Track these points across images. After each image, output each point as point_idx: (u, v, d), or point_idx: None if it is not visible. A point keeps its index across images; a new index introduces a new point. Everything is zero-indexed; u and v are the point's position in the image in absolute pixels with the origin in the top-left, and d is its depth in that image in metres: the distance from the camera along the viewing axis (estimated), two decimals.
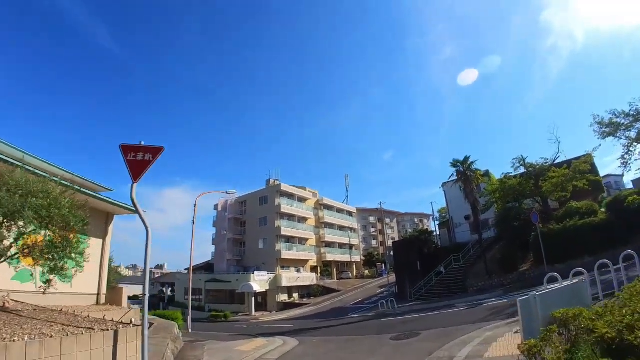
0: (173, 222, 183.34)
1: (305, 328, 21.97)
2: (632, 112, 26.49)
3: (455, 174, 28.39)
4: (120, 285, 16.76)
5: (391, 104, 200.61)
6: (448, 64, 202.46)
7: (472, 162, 27.93)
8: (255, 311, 45.78)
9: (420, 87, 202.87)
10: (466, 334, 10.54)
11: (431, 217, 65.13)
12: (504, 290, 21.04)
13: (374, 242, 79.68)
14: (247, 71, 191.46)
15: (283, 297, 50.64)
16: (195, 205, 27.32)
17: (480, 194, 31.82)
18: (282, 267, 52.82)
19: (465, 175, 27.72)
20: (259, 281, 47.29)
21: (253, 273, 47.83)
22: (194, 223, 27.01)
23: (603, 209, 25.14)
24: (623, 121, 26.85)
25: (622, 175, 39.75)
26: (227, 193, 27.13)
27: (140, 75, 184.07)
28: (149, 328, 7.58)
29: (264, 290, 48.05)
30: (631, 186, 33.48)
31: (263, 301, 49.57)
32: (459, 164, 28.12)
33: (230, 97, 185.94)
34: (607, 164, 67.18)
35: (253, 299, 45.86)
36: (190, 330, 23.54)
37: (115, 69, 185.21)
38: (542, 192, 29.28)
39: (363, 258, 72.06)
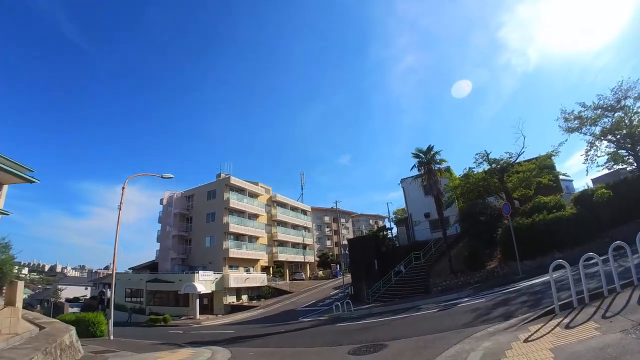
0: (125, 221, 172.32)
1: (246, 335, 18.64)
2: (601, 104, 25.40)
3: (417, 165, 25.86)
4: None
5: (351, 110, 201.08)
6: (409, 74, 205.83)
7: (436, 152, 25.57)
8: (201, 314, 41.73)
9: (380, 96, 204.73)
10: (453, 344, 7.61)
11: (387, 219, 63.26)
12: (474, 289, 18.59)
13: (328, 243, 76.88)
14: (211, 70, 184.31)
15: (231, 299, 46.83)
16: (123, 189, 23.13)
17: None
18: (231, 267, 48.80)
19: (429, 166, 25.30)
20: (204, 281, 43.30)
21: (197, 273, 43.69)
22: (120, 209, 22.73)
23: (570, 205, 23.72)
24: (590, 114, 25.77)
25: (572, 181, 40.06)
26: (162, 177, 23.07)
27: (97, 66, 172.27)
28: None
29: (210, 291, 44.15)
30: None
31: (209, 303, 45.63)
32: (421, 154, 25.65)
33: (186, 96, 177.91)
34: (563, 169, 68.08)
35: (197, 301, 41.68)
36: (111, 337, 19.79)
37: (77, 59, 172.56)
38: (507, 188, 27.62)
39: (317, 258, 69.13)
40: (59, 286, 74.03)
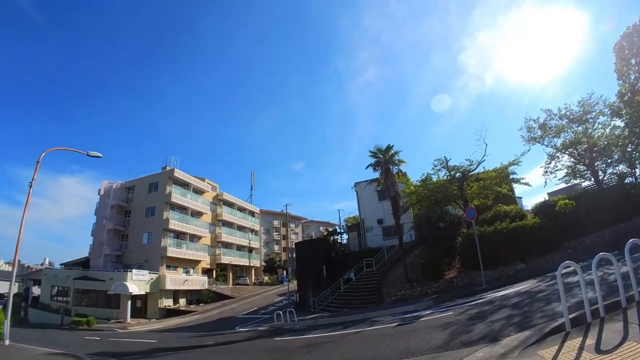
0: (66, 215, 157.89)
1: (167, 347, 15.59)
2: (567, 114, 24.62)
3: (374, 165, 23.61)
4: None
5: (308, 117, 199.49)
6: (367, 87, 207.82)
7: (395, 152, 23.45)
8: (133, 318, 37.76)
9: (338, 106, 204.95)
10: None
11: (337, 226, 61.06)
12: (433, 300, 16.37)
13: (276, 247, 73.43)
14: (169, 62, 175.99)
15: (167, 302, 42.76)
16: (37, 163, 19.04)
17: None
18: (169, 267, 44.69)
19: (387, 166, 23.13)
20: (137, 281, 39.11)
21: (130, 272, 39.29)
22: (30, 186, 18.62)
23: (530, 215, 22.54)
24: (555, 123, 24.96)
25: (521, 198, 39.94)
26: (88, 154, 19.14)
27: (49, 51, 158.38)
28: None
29: (144, 292, 39.94)
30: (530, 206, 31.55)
31: (143, 306, 41.37)
32: (380, 153, 23.45)
33: (144, 90, 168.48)
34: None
35: (129, 303, 37.54)
36: (6, 342, 16.33)
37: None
38: (465, 196, 26.10)
39: (264, 263, 65.72)
40: None
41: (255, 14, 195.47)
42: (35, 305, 42.89)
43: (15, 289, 59.76)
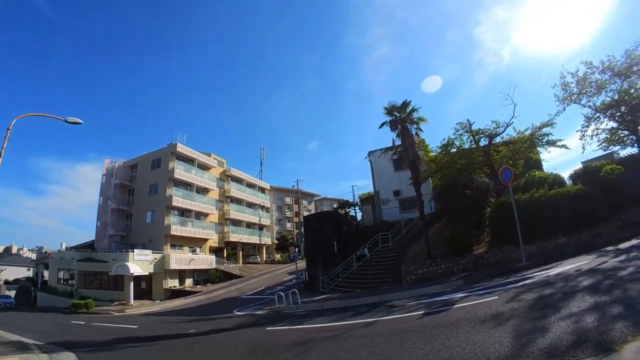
0: (86, 200, 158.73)
1: (137, 337, 13.31)
2: (611, 66, 20.99)
3: (389, 124, 20.32)
4: None
5: (322, 97, 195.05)
6: (381, 64, 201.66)
7: (413, 109, 20.05)
8: (138, 299, 35.64)
9: (352, 84, 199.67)
10: None
11: (355, 206, 58.21)
12: (462, 280, 13.36)
13: (289, 225, 70.55)
14: (179, 49, 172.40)
15: (173, 283, 40.56)
16: (8, 130, 16.34)
17: None
18: (173, 246, 42.32)
19: (404, 124, 19.85)
20: (139, 262, 36.82)
21: (132, 251, 36.87)
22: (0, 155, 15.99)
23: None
24: (597, 78, 21.44)
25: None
26: (66, 121, 16.27)
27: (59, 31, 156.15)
28: None
29: (147, 273, 37.67)
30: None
31: (147, 287, 39.26)
32: (396, 111, 20.12)
33: (158, 75, 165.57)
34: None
35: (132, 284, 35.30)
36: None
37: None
38: (492, 162, 22.85)
39: (276, 241, 63.09)
40: None
41: None
42: (44, 289, 41.68)
43: (30, 273, 59.54)
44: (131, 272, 34.89)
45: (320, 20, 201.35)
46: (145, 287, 39.24)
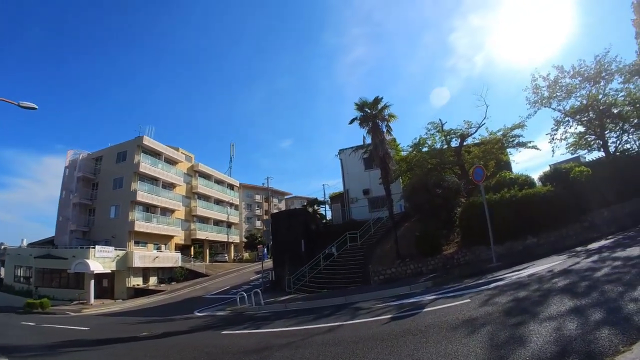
0: (52, 194, 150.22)
1: (80, 340, 12.23)
2: (581, 71, 21.14)
3: (359, 120, 19.69)
4: None
5: (296, 95, 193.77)
6: (356, 65, 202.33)
7: (385, 106, 19.45)
8: (99, 298, 33.96)
9: (326, 83, 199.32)
10: None
11: (325, 204, 57.51)
12: (431, 281, 12.81)
13: (258, 223, 68.99)
14: (151, 41, 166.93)
15: (136, 281, 38.91)
16: None
17: None
18: (137, 243, 40.57)
19: (374, 121, 19.25)
20: (101, 259, 35.07)
21: (93, 248, 35.08)
22: None
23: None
24: (568, 82, 21.57)
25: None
26: (19, 105, 14.66)
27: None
28: None
29: (109, 271, 35.86)
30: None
31: (110, 285, 37.35)
32: (367, 107, 19.51)
33: (130, 66, 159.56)
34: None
35: (93, 282, 33.30)
36: None
37: None
38: (463, 162, 22.65)
39: (245, 239, 61.80)
40: None
41: None
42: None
43: None
44: (91, 269, 33.03)
45: (298, 17, 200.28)
46: (107, 285, 37.42)
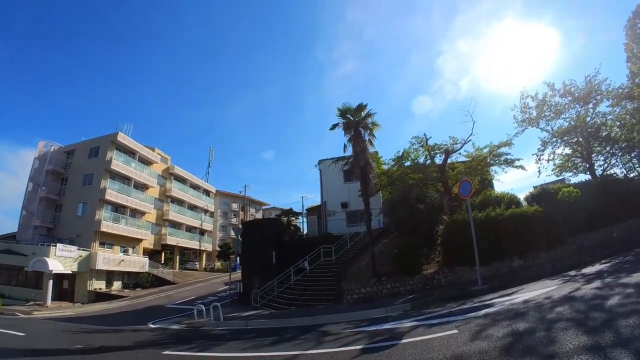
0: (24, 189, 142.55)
1: (12, 351, 10.25)
2: (572, 90, 20.61)
3: (342, 127, 18.46)
4: None
5: (283, 106, 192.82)
6: (345, 80, 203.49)
7: (368, 114, 18.25)
8: (57, 300, 31.63)
9: (314, 97, 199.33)
10: None
11: (301, 215, 55.89)
12: (410, 303, 11.39)
13: (233, 232, 66.62)
14: (139, 40, 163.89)
15: (99, 285, 36.43)
16: None
17: None
18: (103, 244, 38.24)
19: (357, 129, 18.02)
20: (62, 258, 32.72)
21: (54, 246, 32.55)
22: None
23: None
24: (557, 101, 20.99)
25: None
26: None
27: None
28: None
29: (71, 272, 33.39)
30: None
31: (70, 287, 34.86)
32: (349, 114, 18.29)
33: (116, 64, 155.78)
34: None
35: (51, 282, 30.92)
36: None
37: None
38: (446, 179, 21.62)
39: (218, 248, 59.43)
40: None
41: None
42: None
43: None
44: (50, 269, 30.73)
45: (292, 30, 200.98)
46: (67, 287, 34.97)
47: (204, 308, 15.21)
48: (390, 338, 6.87)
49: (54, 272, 31.04)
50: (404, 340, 6.45)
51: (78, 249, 34.75)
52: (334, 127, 18.59)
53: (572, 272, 10.61)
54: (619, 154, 21.46)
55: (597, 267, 10.63)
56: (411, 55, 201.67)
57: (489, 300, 9.23)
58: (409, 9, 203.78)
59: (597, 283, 8.25)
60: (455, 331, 6.40)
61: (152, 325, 16.00)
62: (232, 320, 14.51)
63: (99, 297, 34.69)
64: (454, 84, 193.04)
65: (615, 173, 21.81)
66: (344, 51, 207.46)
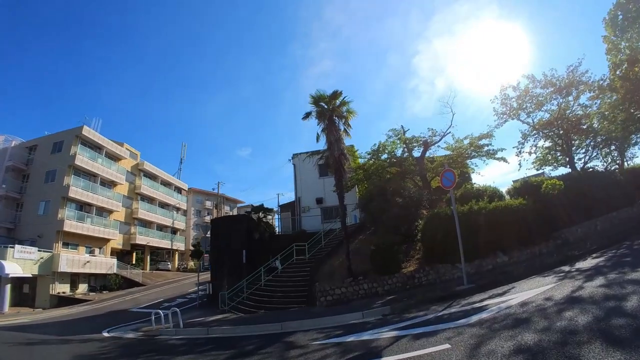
0: None
1: None
2: (553, 81, 19.94)
3: (316, 115, 17.15)
4: None
5: (259, 104, 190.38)
6: (321, 78, 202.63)
7: (344, 102, 16.98)
8: (16, 306, 29.79)
9: (290, 94, 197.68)
10: None
11: (276, 212, 54.27)
12: (389, 305, 10.17)
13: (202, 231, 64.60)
14: (111, 33, 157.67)
15: (63, 288, 34.17)
16: None
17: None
18: (67, 245, 35.81)
19: (331, 118, 16.73)
20: (21, 260, 30.55)
21: (12, 247, 30.38)
22: None
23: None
24: (539, 92, 20.29)
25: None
26: None
27: None
28: None
29: (31, 275, 31.25)
30: None
31: (31, 292, 32.65)
32: (323, 101, 16.96)
33: (87, 57, 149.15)
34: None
35: (8, 287, 28.79)
36: None
37: None
38: (425, 171, 20.64)
39: (191, 247, 57.25)
40: None
41: None
42: None
43: None
44: (7, 272, 28.56)
45: (268, 26, 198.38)
46: (28, 292, 32.78)
47: (162, 314, 13.64)
48: (366, 355, 5.58)
49: (10, 275, 28.88)
50: (383, 359, 5.18)
51: (39, 251, 32.50)
52: (307, 115, 17.21)
53: (566, 268, 9.63)
54: (600, 147, 21.05)
55: (590, 262, 9.69)
56: (388, 54, 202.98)
57: (479, 302, 8.08)
58: (386, 10, 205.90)
59: (600, 280, 7.19)
60: (448, 346, 5.16)
61: (106, 334, 14.31)
62: (194, 327, 13.00)
63: (62, 301, 32.44)
64: (429, 84, 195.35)
65: (596, 165, 21.48)
66: (321, 50, 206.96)
